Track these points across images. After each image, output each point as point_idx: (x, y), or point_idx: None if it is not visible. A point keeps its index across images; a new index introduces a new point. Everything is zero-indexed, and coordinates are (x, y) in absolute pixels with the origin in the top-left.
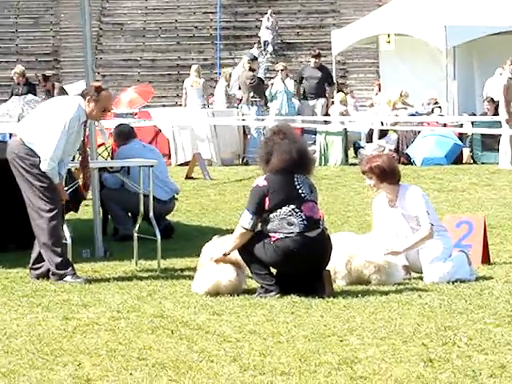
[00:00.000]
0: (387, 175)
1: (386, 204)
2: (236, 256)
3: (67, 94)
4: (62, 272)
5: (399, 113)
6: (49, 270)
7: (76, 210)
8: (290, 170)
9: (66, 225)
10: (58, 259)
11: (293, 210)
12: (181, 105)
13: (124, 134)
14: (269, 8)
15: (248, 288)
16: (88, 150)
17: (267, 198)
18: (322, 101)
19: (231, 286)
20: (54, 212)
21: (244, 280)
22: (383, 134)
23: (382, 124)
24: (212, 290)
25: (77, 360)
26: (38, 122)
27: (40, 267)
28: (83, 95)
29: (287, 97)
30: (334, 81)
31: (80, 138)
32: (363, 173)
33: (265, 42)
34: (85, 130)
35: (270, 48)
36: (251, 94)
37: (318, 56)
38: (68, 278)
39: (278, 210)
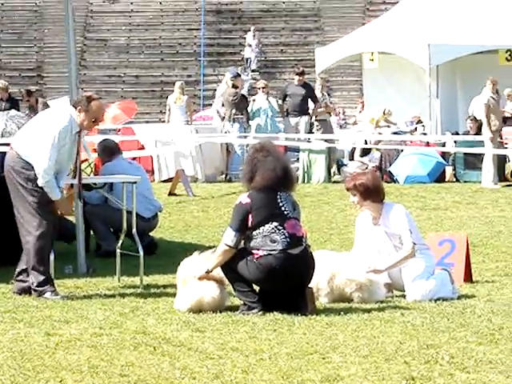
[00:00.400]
0: (371, 193)
1: (370, 222)
2: (219, 273)
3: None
4: (41, 289)
5: (382, 131)
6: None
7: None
8: (274, 187)
9: None
10: (41, 277)
11: (276, 227)
12: (164, 121)
13: (109, 150)
14: (252, 25)
15: (231, 305)
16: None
17: (250, 216)
18: (305, 118)
19: (214, 302)
20: (42, 230)
21: (227, 297)
22: (366, 151)
23: (366, 142)
24: (195, 306)
25: (59, 376)
26: (32, 135)
27: (25, 281)
28: (74, 105)
29: (270, 114)
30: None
31: (74, 149)
32: (347, 190)
33: (247, 59)
34: (79, 140)
35: (253, 65)
36: (233, 111)
37: (301, 73)
38: (47, 295)
39: (261, 228)
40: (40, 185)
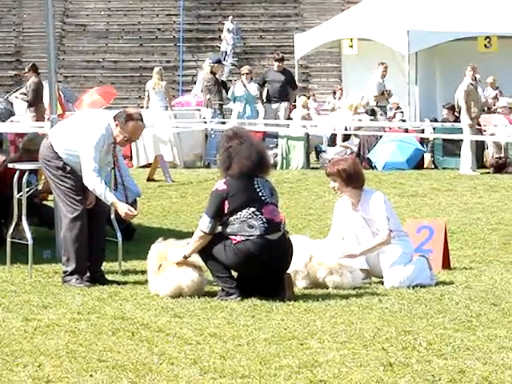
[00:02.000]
0: (352, 179)
1: (349, 207)
2: (197, 259)
3: (42, 88)
4: (69, 278)
5: (361, 117)
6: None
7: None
8: (250, 173)
9: (27, 225)
10: (74, 266)
11: (253, 212)
12: (143, 107)
13: None
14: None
15: (209, 291)
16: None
17: (226, 202)
18: (284, 104)
19: (193, 286)
20: (72, 216)
21: (205, 282)
22: (345, 138)
23: (346, 129)
24: (175, 291)
25: (37, 361)
26: (69, 132)
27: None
28: (114, 117)
29: (249, 100)
30: (297, 84)
31: (108, 159)
32: (328, 175)
33: (233, 30)
34: (114, 152)
35: (230, 51)
36: (207, 97)
37: (281, 60)
38: (72, 282)
39: (239, 213)
40: (89, 187)
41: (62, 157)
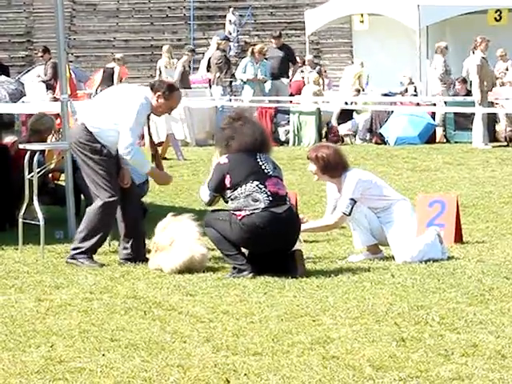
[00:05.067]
0: (329, 169)
1: (335, 188)
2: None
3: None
4: (80, 256)
5: (367, 91)
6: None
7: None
8: (252, 150)
9: (38, 206)
10: (90, 244)
11: (257, 185)
12: None
13: None
14: None
15: (222, 268)
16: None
17: (228, 176)
18: (285, 80)
19: (204, 261)
20: (107, 200)
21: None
22: (347, 116)
23: (347, 103)
24: (187, 264)
25: (49, 341)
26: (104, 110)
27: (126, 248)
28: (152, 88)
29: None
30: (298, 60)
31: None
32: (308, 158)
33: (235, 22)
34: (148, 123)
35: (233, 44)
36: (217, 74)
37: (278, 37)
38: (83, 261)
39: (243, 187)
40: (128, 160)
41: (99, 137)
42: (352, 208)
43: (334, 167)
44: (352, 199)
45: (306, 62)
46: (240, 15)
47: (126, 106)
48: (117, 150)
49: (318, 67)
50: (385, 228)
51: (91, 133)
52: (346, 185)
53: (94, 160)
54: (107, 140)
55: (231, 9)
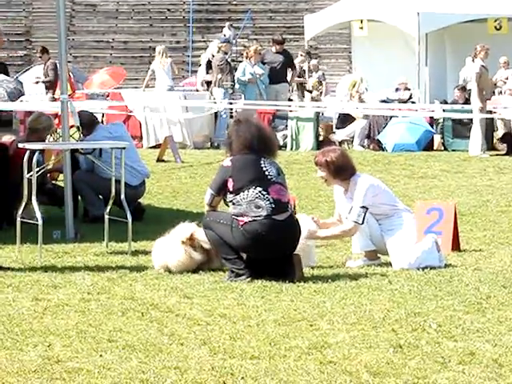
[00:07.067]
0: (340, 172)
1: (342, 192)
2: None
3: (56, 71)
4: None
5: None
6: None
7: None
8: (253, 149)
9: (36, 205)
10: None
11: (260, 192)
12: (153, 87)
13: (87, 125)
14: None
15: (219, 271)
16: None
17: (230, 179)
18: (285, 86)
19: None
20: None
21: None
22: (347, 122)
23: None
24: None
25: (47, 341)
26: None
27: None
28: None
29: (263, 82)
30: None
31: None
32: (316, 164)
33: (229, 37)
34: None
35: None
36: (219, 76)
37: (281, 42)
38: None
39: (246, 192)
40: None
41: None
42: (364, 216)
43: (344, 169)
44: (364, 207)
45: (311, 67)
46: (236, 27)
47: None
48: None
49: (319, 73)
50: (385, 235)
51: None
52: (357, 192)
53: None
54: None
55: (227, 23)
